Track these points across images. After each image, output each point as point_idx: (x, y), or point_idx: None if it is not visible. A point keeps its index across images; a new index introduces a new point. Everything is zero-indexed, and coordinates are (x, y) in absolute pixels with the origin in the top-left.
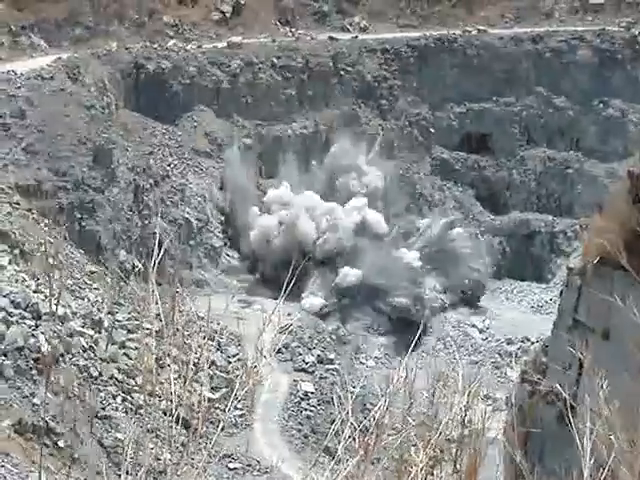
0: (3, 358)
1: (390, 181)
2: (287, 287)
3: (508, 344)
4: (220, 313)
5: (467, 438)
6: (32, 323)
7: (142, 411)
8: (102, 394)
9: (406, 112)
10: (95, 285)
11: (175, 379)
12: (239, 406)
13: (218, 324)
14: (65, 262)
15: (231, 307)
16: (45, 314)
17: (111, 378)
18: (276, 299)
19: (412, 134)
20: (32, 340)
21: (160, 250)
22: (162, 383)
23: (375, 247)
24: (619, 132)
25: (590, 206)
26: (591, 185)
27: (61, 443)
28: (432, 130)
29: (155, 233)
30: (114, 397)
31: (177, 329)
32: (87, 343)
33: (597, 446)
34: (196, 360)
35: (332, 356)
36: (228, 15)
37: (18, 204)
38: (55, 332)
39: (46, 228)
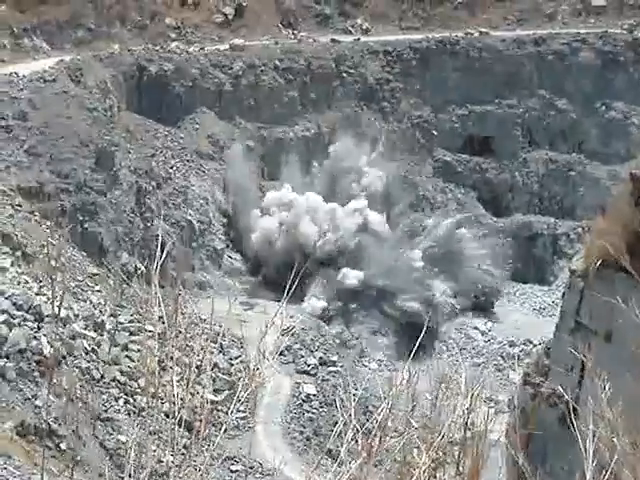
0: (5, 360)
1: (392, 181)
2: (290, 289)
3: (510, 346)
4: (222, 315)
5: (469, 440)
6: (34, 325)
7: (144, 413)
8: (104, 396)
9: (408, 114)
10: (97, 287)
11: (177, 381)
12: (241, 408)
13: (220, 326)
14: (67, 264)
15: (233, 309)
16: (47, 316)
17: (113, 380)
18: (278, 301)
19: (414, 136)
20: (34, 342)
21: (162, 252)
22: (164, 385)
23: (379, 248)
24: (621, 134)
25: (592, 208)
26: (593, 187)
27: (63, 445)
28: (434, 132)
29: (157, 235)
30: (116, 399)
31: (179, 331)
32: (89, 345)
33: (600, 448)
34: (199, 362)
35: (334, 358)
36: (230, 17)
37: (20, 206)
38: (57, 334)
39: (48, 230)
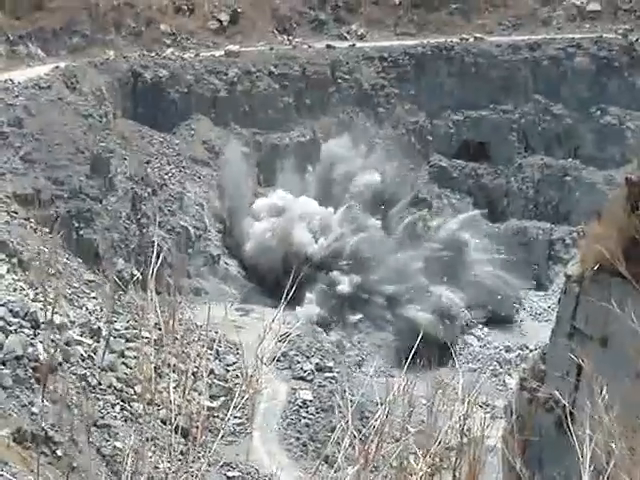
0: (2, 367)
1: (389, 183)
2: (286, 295)
3: (506, 352)
4: (218, 321)
5: (466, 446)
6: (30, 332)
7: (141, 420)
8: (100, 403)
9: (404, 120)
10: (93, 294)
11: (174, 388)
12: (238, 415)
13: (216, 332)
14: (63, 271)
15: (229, 315)
16: (43, 323)
17: (109, 387)
18: (275, 307)
19: (410, 142)
20: (31, 349)
21: (158, 258)
22: (161, 392)
23: (377, 252)
24: (617, 139)
25: (588, 213)
26: (589, 192)
27: (60, 452)
28: (430, 138)
29: (153, 242)
30: (113, 406)
31: (176, 338)
32: (85, 352)
33: (596, 453)
34: (195, 369)
35: (331, 364)
36: (225, 24)
37: (16, 213)
38: (53, 341)
39: (44, 237)
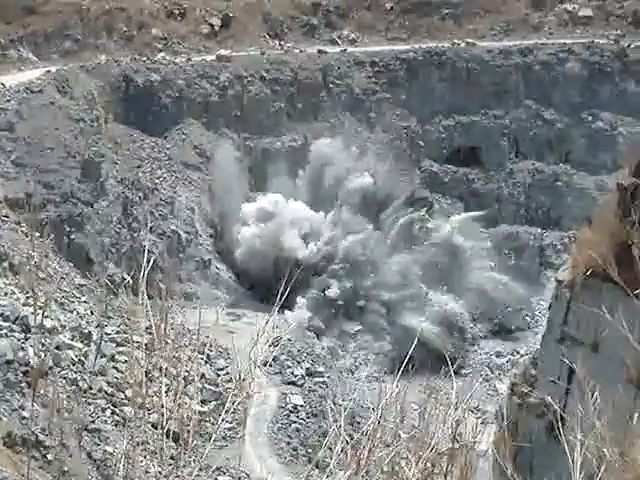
0: None
1: (381, 185)
2: (279, 300)
3: (497, 357)
4: (209, 326)
5: (458, 451)
6: (21, 336)
7: (132, 424)
8: (91, 407)
9: (395, 125)
10: (84, 298)
11: (165, 392)
12: (228, 419)
13: (207, 337)
14: (54, 275)
15: (221, 320)
16: (34, 327)
17: (100, 391)
18: (266, 312)
19: (401, 147)
20: (21, 353)
21: (149, 263)
22: (152, 396)
23: (372, 254)
24: (608, 145)
25: (579, 219)
26: (580, 198)
27: (50, 456)
28: (421, 143)
29: (144, 246)
30: (103, 410)
31: (167, 342)
32: (76, 356)
33: (587, 458)
34: (186, 373)
35: (321, 369)
36: (217, 28)
37: (7, 217)
38: (44, 345)
39: (35, 241)
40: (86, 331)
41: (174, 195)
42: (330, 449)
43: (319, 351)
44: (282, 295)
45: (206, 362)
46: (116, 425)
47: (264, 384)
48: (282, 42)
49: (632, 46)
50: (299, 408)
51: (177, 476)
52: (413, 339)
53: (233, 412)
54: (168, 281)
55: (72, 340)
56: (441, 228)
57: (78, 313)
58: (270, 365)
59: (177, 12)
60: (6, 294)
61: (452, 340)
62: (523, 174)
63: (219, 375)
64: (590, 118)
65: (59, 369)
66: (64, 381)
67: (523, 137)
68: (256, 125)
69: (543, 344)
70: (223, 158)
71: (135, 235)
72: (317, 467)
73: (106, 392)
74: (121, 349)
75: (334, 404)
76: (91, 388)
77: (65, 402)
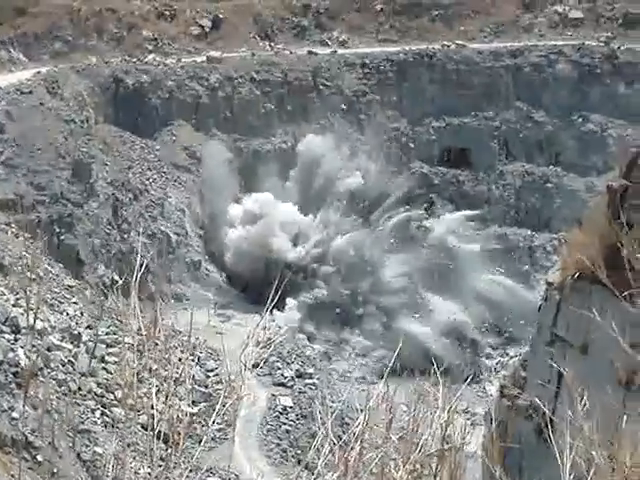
0: None
1: (372, 185)
2: (270, 302)
3: (487, 359)
4: (200, 327)
5: (447, 453)
6: (11, 337)
7: (121, 425)
8: (81, 408)
9: (385, 127)
10: (74, 299)
11: (155, 393)
12: (218, 420)
13: (197, 338)
14: (44, 276)
15: (211, 321)
16: (24, 328)
17: (90, 392)
18: (256, 313)
19: (391, 149)
20: (11, 354)
21: (140, 265)
22: (142, 397)
23: (364, 254)
24: (598, 147)
25: (569, 221)
26: (570, 200)
27: (40, 457)
28: (411, 144)
29: (134, 247)
30: (93, 411)
31: (157, 343)
32: (66, 357)
33: (576, 461)
34: (176, 374)
35: (311, 370)
36: (207, 29)
37: None
38: (34, 346)
39: (25, 242)
40: (76, 332)
41: (164, 196)
42: (319, 450)
43: (309, 353)
44: (273, 299)
45: (196, 364)
46: (106, 426)
47: (254, 386)
48: (272, 43)
49: (622, 48)
50: (289, 409)
51: (167, 477)
52: (415, 347)
53: (224, 414)
54: (158, 282)
55: (62, 341)
56: (435, 227)
57: (68, 314)
58: (260, 366)
59: (167, 13)
60: None
61: (463, 352)
62: (513, 176)
63: (209, 376)
64: (580, 120)
65: (49, 370)
66: (54, 382)
67: (513, 139)
68: (246, 126)
69: (532, 346)
70: (213, 159)
71: (125, 236)
72: (307, 468)
73: (96, 393)
74: (111, 350)
75: (323, 406)
76: (81, 389)
77: (55, 403)
